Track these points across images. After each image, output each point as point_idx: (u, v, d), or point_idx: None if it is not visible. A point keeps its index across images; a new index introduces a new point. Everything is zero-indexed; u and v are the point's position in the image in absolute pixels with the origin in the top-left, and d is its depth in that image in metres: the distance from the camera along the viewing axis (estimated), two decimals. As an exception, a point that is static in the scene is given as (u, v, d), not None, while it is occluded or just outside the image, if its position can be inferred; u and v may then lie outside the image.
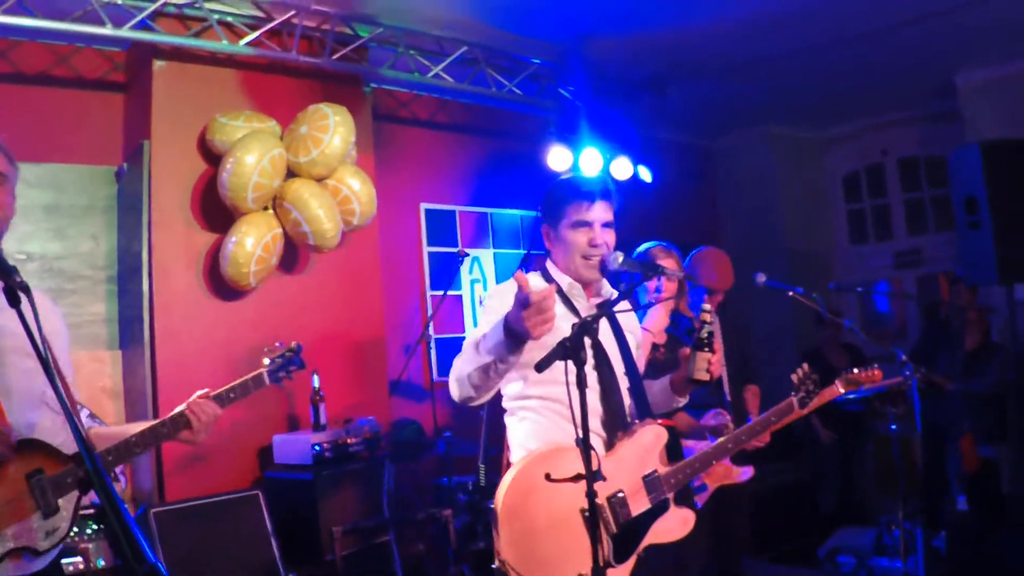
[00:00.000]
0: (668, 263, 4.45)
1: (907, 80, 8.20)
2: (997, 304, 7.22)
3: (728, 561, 5.03)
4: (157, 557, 2.03)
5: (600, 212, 3.17)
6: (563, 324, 2.94)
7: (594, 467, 2.60)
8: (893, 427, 5.68)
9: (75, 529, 4.53)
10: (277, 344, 3.21)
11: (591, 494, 2.58)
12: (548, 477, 2.91)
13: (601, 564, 2.63)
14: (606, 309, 3.01)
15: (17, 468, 2.52)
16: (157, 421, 2.84)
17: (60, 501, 2.58)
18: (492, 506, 2.97)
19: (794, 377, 3.70)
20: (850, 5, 6.40)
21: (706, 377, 3.16)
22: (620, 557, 3.01)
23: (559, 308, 3.15)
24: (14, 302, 2.14)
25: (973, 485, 6.76)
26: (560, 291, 3.20)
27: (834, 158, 10.34)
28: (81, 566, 4.46)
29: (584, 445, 2.58)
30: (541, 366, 2.61)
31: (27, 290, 2.17)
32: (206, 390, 2.92)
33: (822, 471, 8.28)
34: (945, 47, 7.43)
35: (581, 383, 2.59)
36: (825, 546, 6.96)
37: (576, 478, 2.81)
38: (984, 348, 6.97)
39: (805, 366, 3.71)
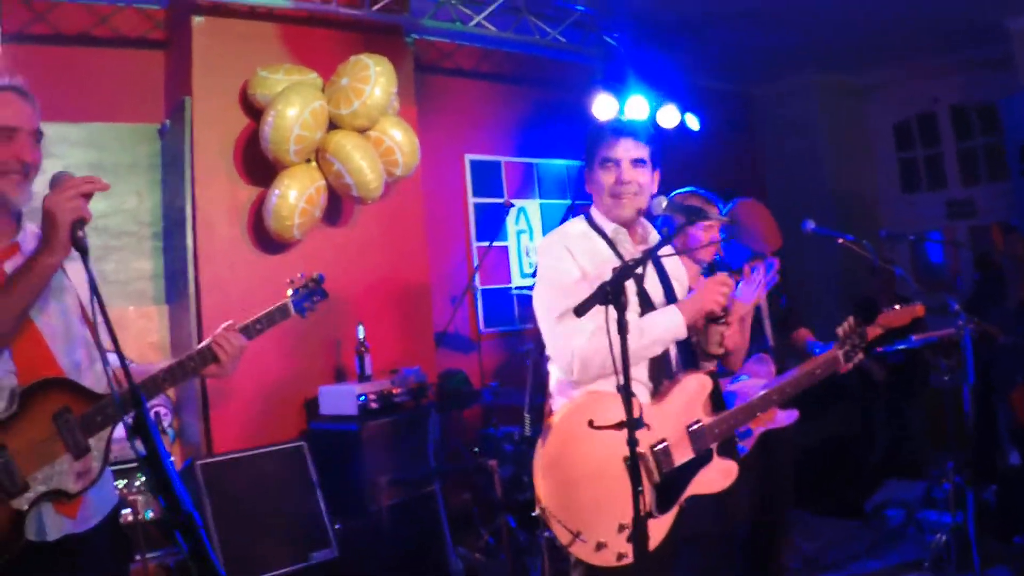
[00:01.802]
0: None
1: (955, 24, 7.96)
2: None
3: (772, 512, 4.99)
4: (195, 507, 2.00)
5: (627, 149, 3.13)
6: (609, 269, 2.91)
7: (636, 415, 2.57)
8: (945, 378, 5.59)
9: (124, 480, 4.60)
10: (299, 275, 3.18)
11: (632, 442, 2.55)
12: (591, 424, 2.89)
13: (643, 514, 2.62)
14: (649, 254, 2.96)
15: (43, 408, 2.48)
16: (184, 355, 2.79)
17: (91, 441, 2.53)
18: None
19: (839, 331, 3.62)
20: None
21: (720, 351, 3.13)
22: (662, 507, 3.00)
23: (605, 253, 3.13)
24: (81, 249, 2.28)
25: (1024, 438, 6.65)
26: (605, 236, 3.17)
27: (882, 105, 10.13)
28: (130, 518, 4.52)
29: (625, 391, 2.55)
30: (580, 310, 2.59)
31: (87, 250, 2.27)
32: (231, 322, 2.88)
33: (872, 423, 8.18)
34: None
35: (622, 328, 2.56)
36: (872, 499, 6.89)
37: (619, 426, 2.74)
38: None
39: (851, 319, 3.61)
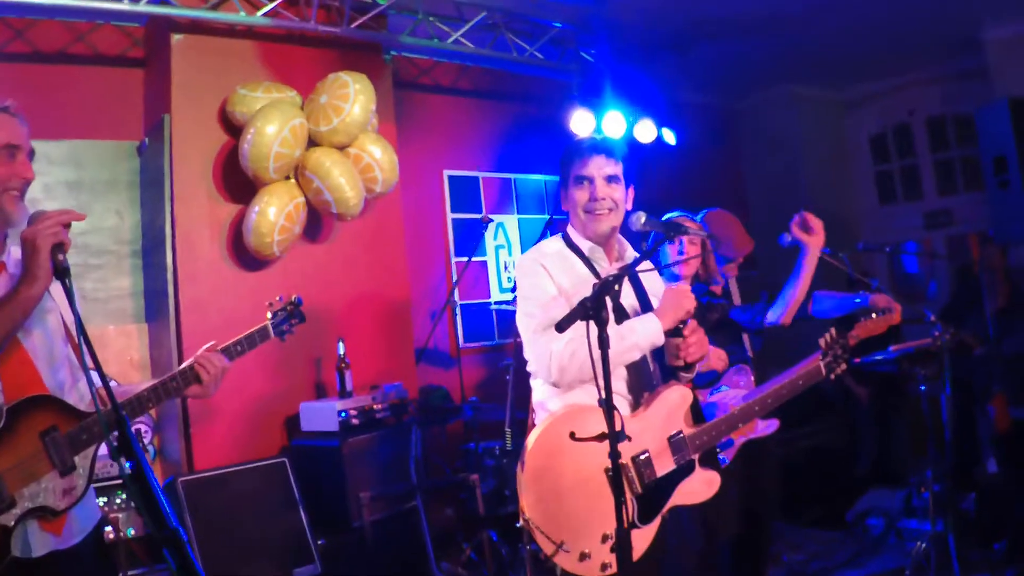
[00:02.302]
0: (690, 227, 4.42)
1: (931, 37, 8.06)
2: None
3: (757, 522, 5.01)
4: (180, 523, 2.01)
5: (599, 166, 3.17)
6: (585, 287, 2.96)
7: (617, 427, 2.59)
8: (923, 387, 5.64)
9: (104, 498, 4.58)
10: (278, 298, 3.20)
11: (614, 454, 2.57)
12: (573, 436, 2.91)
13: (625, 525, 2.63)
14: (627, 270, 2.99)
15: (30, 426, 2.50)
16: (167, 376, 2.81)
17: (76, 459, 2.55)
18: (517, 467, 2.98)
19: (821, 341, 3.65)
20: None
21: (679, 363, 3.14)
22: (645, 518, 3.01)
23: (581, 271, 3.16)
24: (60, 275, 2.37)
25: (1004, 446, 6.70)
26: (581, 255, 3.20)
27: (859, 118, 10.23)
28: (111, 536, 4.50)
29: (607, 405, 2.57)
30: (562, 326, 2.61)
31: (68, 272, 2.37)
32: (212, 343, 2.90)
33: (857, 433, 8.25)
34: (971, 2, 7.29)
35: (603, 343, 2.59)
36: (854, 509, 6.93)
37: (600, 437, 2.77)
38: (1013, 308, 6.89)
39: (833, 331, 3.62)
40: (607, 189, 3.15)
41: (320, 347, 5.74)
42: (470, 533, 5.79)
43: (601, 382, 2.56)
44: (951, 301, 7.62)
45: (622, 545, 2.56)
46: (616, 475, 2.57)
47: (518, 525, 2.96)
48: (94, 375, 2.19)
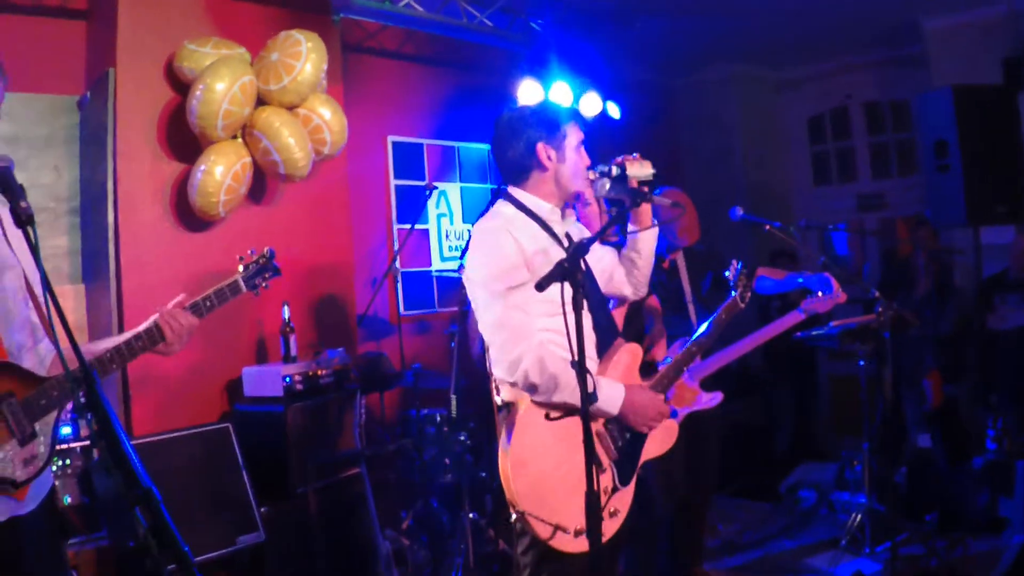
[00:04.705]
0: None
1: (872, 22, 8.19)
2: (961, 247, 7.35)
3: (698, 491, 5.11)
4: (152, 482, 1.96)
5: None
6: (551, 249, 2.98)
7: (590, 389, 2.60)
8: (861, 363, 5.77)
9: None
10: (250, 252, 3.14)
11: (585, 414, 2.57)
12: (548, 417, 2.95)
13: (610, 488, 2.70)
14: (599, 235, 2.99)
15: None
16: (132, 334, 2.73)
17: (36, 426, 2.46)
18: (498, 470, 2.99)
19: (728, 274, 3.83)
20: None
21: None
22: (624, 479, 3.10)
23: (540, 234, 3.16)
24: (21, 223, 2.21)
25: (938, 422, 6.91)
26: (538, 218, 3.20)
27: (797, 100, 10.37)
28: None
29: (579, 368, 2.58)
30: (541, 285, 2.60)
31: (32, 220, 2.23)
32: (181, 297, 2.82)
33: (776, 413, 8.44)
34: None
35: (578, 305, 2.60)
36: (786, 481, 7.08)
37: (570, 412, 2.93)
38: (940, 290, 7.09)
39: (734, 262, 3.84)
40: None
41: (261, 311, 5.64)
42: (410, 501, 5.78)
43: (574, 346, 2.57)
44: (879, 281, 7.81)
45: (592, 515, 2.58)
46: (588, 440, 2.58)
47: (512, 521, 2.97)
48: (61, 333, 2.12)
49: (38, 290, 2.52)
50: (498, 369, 3.09)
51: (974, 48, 7.88)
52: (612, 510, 3.06)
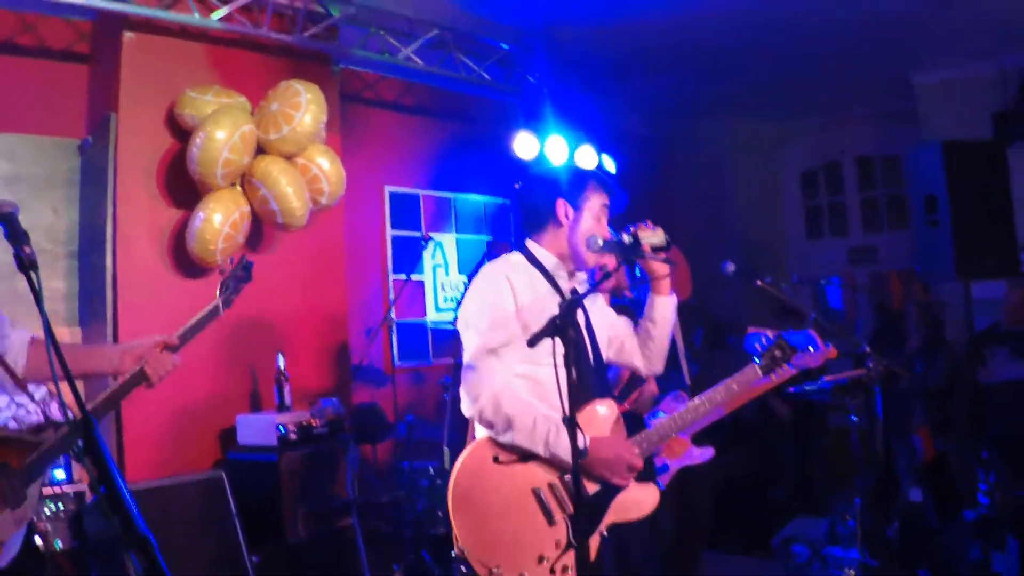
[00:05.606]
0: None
1: (864, 77, 8.32)
2: (952, 301, 7.37)
3: (688, 548, 5.07)
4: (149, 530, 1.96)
5: None
6: (551, 303, 2.99)
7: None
8: (853, 418, 5.78)
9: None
10: (230, 260, 3.17)
11: (575, 471, 2.58)
12: (496, 460, 2.95)
13: (563, 543, 2.70)
14: (591, 289, 3.03)
15: None
16: (117, 385, 2.79)
17: (28, 489, 2.49)
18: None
19: (757, 345, 3.54)
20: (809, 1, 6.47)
21: None
22: (581, 535, 2.99)
23: (543, 286, 3.18)
24: (24, 268, 2.18)
25: (929, 476, 6.89)
26: (544, 270, 3.22)
27: (791, 153, 10.47)
28: (42, 548, 4.36)
29: (570, 424, 2.59)
30: (533, 341, 2.62)
31: (35, 266, 2.20)
32: (159, 339, 2.88)
33: (777, 461, 8.38)
34: (903, 46, 7.55)
35: (568, 362, 2.61)
36: (779, 536, 7.03)
37: (523, 459, 2.92)
38: (931, 343, 7.11)
39: (769, 332, 3.59)
40: None
41: (256, 358, 5.66)
42: (402, 553, 5.75)
43: (566, 403, 2.59)
44: (872, 336, 7.83)
45: (582, 561, 2.59)
46: (578, 493, 2.59)
47: (454, 554, 2.97)
48: (42, 390, 2.13)
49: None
50: (463, 404, 3.10)
51: (964, 104, 7.98)
52: (563, 566, 2.95)
